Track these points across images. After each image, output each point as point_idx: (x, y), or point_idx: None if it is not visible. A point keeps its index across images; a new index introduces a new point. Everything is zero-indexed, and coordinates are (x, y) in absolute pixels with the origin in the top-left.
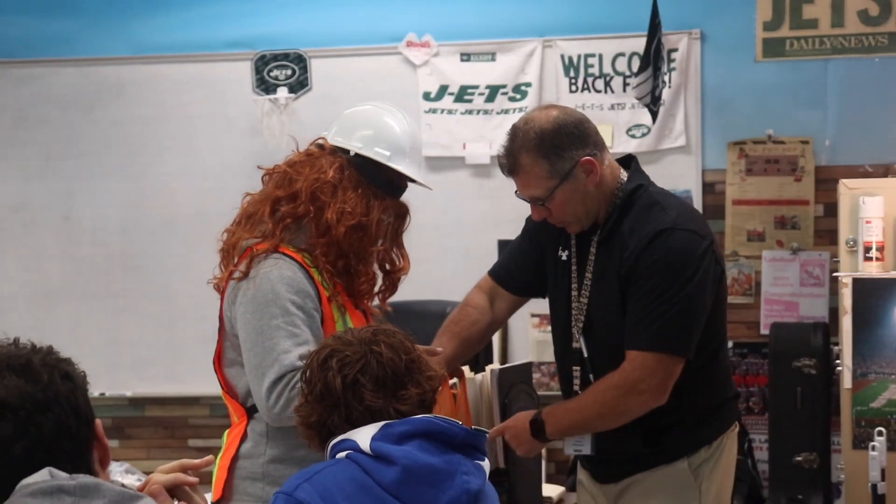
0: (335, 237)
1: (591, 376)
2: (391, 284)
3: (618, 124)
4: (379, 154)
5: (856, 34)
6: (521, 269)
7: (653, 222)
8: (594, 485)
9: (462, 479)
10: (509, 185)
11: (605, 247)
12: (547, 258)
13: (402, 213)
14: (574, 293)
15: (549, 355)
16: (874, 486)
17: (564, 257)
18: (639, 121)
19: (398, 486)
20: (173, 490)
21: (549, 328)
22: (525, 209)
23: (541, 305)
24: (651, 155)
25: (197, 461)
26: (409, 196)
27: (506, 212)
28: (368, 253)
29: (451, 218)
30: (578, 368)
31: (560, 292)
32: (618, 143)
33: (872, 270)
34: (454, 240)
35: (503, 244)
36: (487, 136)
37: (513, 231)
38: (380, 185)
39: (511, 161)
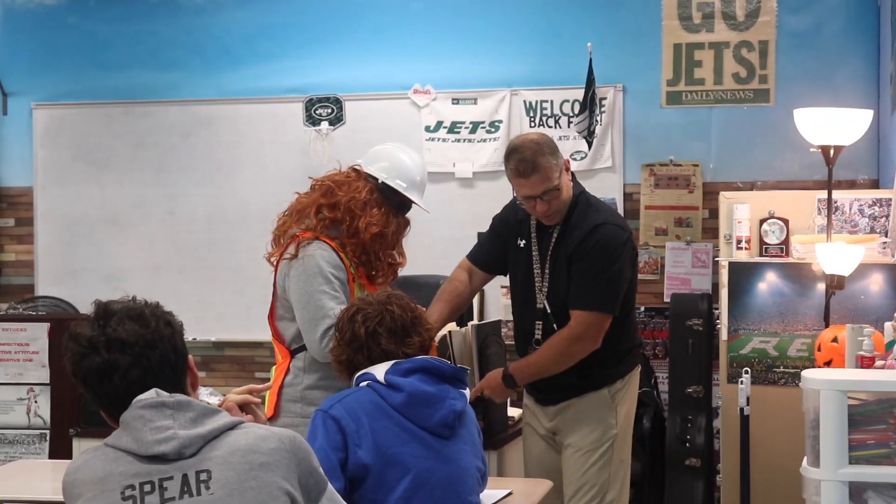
0: (362, 240)
1: (554, 325)
2: (393, 274)
3: (564, 150)
4: (399, 185)
5: (731, 89)
6: (490, 253)
7: (590, 219)
8: (537, 406)
9: (450, 402)
10: (487, 193)
11: (561, 235)
12: (508, 246)
13: (406, 225)
14: (537, 269)
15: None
16: (741, 409)
17: (522, 244)
18: (579, 148)
19: (404, 407)
20: (243, 406)
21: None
22: (493, 209)
23: (507, 279)
24: (587, 173)
25: (260, 386)
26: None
27: (482, 212)
28: (385, 253)
29: (443, 215)
30: (541, 322)
31: (520, 269)
32: None
33: (742, 256)
34: (445, 231)
35: (480, 234)
36: (471, 157)
37: (486, 225)
38: (395, 205)
39: (531, 165)
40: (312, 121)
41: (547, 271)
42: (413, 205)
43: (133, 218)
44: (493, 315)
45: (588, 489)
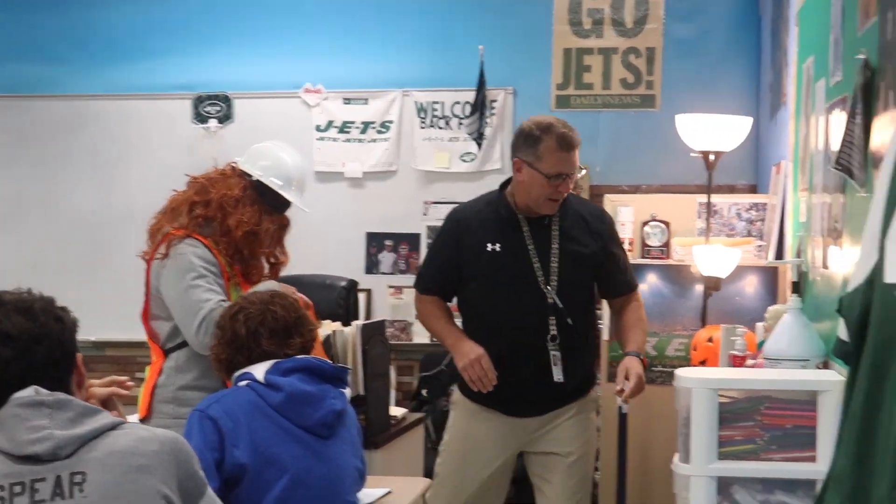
0: (234, 238)
1: (568, 320)
2: (274, 272)
3: (454, 152)
4: (273, 182)
5: (618, 94)
6: (452, 283)
7: (587, 203)
8: (509, 421)
9: (330, 401)
10: (375, 193)
11: (566, 224)
12: (466, 259)
13: (285, 224)
14: (537, 264)
15: (400, 314)
16: (619, 408)
17: (498, 248)
18: (468, 150)
19: (283, 406)
20: (105, 402)
21: (402, 296)
22: (382, 210)
23: (398, 279)
24: (476, 175)
25: (123, 378)
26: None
27: (371, 212)
28: (258, 252)
29: (332, 215)
30: (554, 318)
31: (504, 272)
32: (453, 165)
33: None
34: (334, 231)
35: (370, 235)
36: (360, 157)
37: (376, 226)
38: (271, 203)
39: (573, 140)
40: (200, 118)
41: (554, 265)
42: (293, 204)
43: (12, 215)
44: (379, 315)
45: (584, 496)
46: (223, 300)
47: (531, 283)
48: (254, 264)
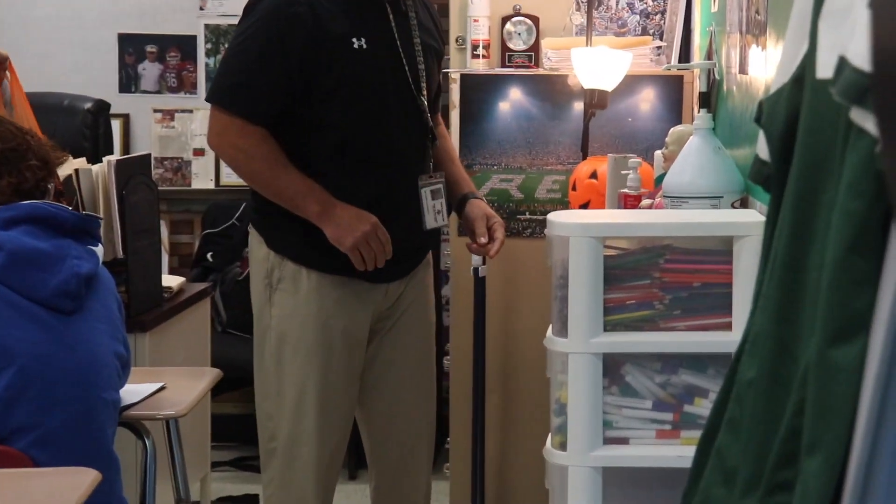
0: None
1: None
2: None
3: None
4: None
5: None
6: (283, 103)
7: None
8: (371, 286)
9: (73, 262)
10: None
11: (419, 21)
12: (324, 58)
13: None
14: (406, 68)
15: (172, 149)
16: (475, 270)
17: (364, 44)
18: None
19: (4, 271)
20: None
21: (173, 124)
22: (149, 2)
23: (166, 100)
24: None
25: None
26: None
27: (126, 6)
28: None
29: (69, 11)
30: (430, 140)
31: (378, 79)
32: None
33: (479, 67)
34: (73, 33)
35: (123, 38)
36: None
37: (133, 25)
38: None
39: None
40: None
41: (421, 66)
42: None
43: None
44: (141, 149)
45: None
46: None
47: (405, 95)
48: None
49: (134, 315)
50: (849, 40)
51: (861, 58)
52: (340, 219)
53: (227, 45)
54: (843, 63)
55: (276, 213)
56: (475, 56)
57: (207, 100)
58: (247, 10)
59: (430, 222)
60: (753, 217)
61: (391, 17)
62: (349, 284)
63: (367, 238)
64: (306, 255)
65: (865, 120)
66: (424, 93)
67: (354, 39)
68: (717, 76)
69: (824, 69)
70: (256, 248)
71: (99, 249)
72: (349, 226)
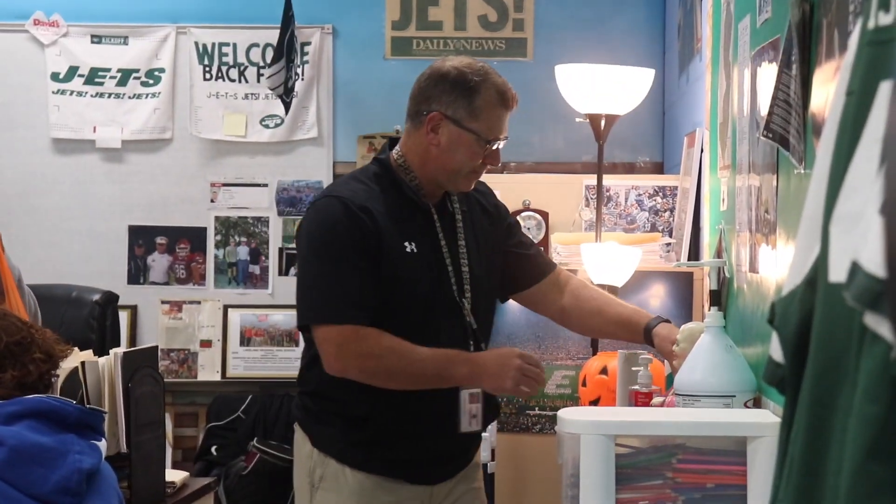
0: None
1: (482, 346)
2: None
3: (252, 114)
4: None
5: (477, 38)
6: (373, 298)
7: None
8: (414, 488)
9: (75, 458)
10: (142, 170)
11: (467, 210)
12: (386, 259)
13: None
14: (450, 269)
15: (179, 341)
16: (485, 466)
17: (415, 248)
18: (272, 111)
19: (6, 467)
20: None
21: (180, 315)
22: (150, 192)
23: (171, 292)
24: (284, 145)
25: None
26: (34, 178)
27: (136, 197)
28: None
29: (79, 202)
30: (472, 342)
31: (425, 282)
32: (251, 133)
33: None
34: (82, 223)
35: (134, 230)
36: (119, 119)
37: (143, 217)
38: None
39: (516, 97)
40: None
41: (464, 269)
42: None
43: None
44: (149, 341)
45: None
46: None
47: (447, 297)
48: None
49: None
50: (861, 245)
51: (875, 263)
52: (489, 369)
53: (298, 267)
54: (856, 268)
55: (321, 412)
56: None
57: (308, 323)
58: (305, 228)
59: (465, 426)
60: (767, 417)
61: (436, 218)
62: (392, 485)
63: (522, 372)
64: (349, 455)
65: (880, 325)
66: (468, 295)
67: (406, 243)
68: (727, 274)
69: (837, 273)
70: (301, 445)
71: (102, 444)
72: (500, 371)
